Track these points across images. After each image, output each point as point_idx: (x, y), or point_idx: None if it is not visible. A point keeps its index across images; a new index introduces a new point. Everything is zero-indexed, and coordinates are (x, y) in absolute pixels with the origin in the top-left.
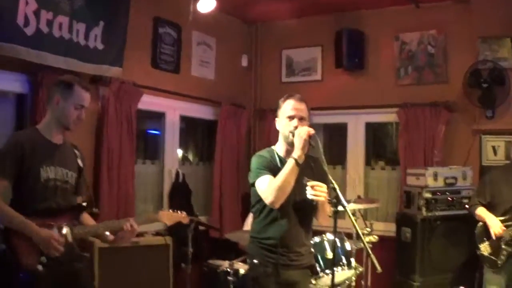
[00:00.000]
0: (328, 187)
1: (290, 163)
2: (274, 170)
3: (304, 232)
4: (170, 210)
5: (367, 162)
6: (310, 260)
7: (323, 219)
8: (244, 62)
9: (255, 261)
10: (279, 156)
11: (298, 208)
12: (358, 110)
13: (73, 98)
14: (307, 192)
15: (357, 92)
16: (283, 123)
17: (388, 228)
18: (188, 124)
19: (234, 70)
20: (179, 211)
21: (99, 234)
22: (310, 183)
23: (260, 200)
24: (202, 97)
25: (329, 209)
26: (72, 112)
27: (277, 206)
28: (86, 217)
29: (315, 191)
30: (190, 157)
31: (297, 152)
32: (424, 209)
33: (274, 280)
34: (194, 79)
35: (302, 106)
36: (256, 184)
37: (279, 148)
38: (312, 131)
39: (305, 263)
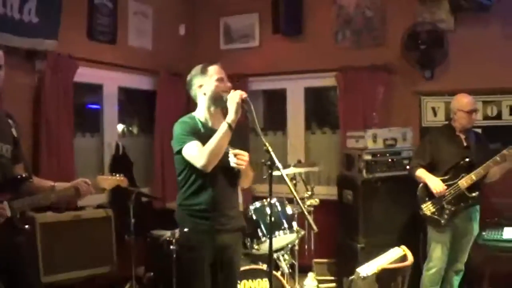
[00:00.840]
0: (249, 153)
1: (223, 127)
2: (198, 135)
3: (232, 195)
4: (108, 175)
5: (308, 127)
6: (240, 222)
7: (245, 184)
8: (182, 31)
9: (185, 229)
10: (201, 122)
11: (225, 172)
12: (297, 75)
13: None
14: (230, 160)
15: (295, 57)
16: (212, 85)
17: (330, 191)
18: (128, 96)
19: (172, 39)
20: (117, 175)
21: (42, 204)
22: (232, 151)
23: (186, 167)
24: (140, 67)
25: (251, 173)
26: None
27: (209, 169)
28: (37, 181)
29: (238, 159)
30: (131, 128)
31: (230, 116)
32: (364, 171)
33: (208, 246)
34: (131, 50)
35: (223, 70)
36: (184, 150)
37: (200, 113)
38: (244, 94)
39: (236, 225)
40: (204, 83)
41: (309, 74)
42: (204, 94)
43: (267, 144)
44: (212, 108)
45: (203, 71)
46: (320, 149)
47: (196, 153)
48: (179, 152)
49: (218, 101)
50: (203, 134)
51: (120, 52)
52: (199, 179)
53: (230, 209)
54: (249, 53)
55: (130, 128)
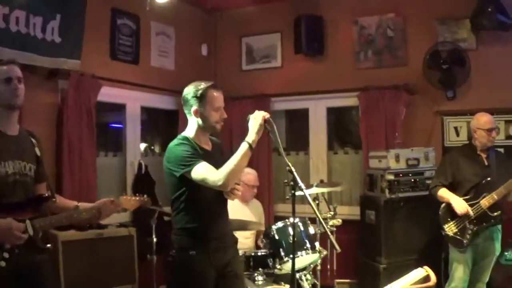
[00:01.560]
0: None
1: (244, 147)
2: (199, 156)
3: (225, 211)
4: (130, 196)
5: (330, 147)
6: (233, 237)
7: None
8: (204, 51)
9: (191, 252)
10: (194, 142)
11: (217, 198)
12: (319, 95)
13: None
14: (254, 126)
15: (317, 77)
16: (210, 113)
17: (352, 211)
18: (150, 115)
19: (194, 60)
20: (141, 196)
21: (64, 223)
22: (249, 122)
23: (185, 191)
24: (162, 87)
25: None
26: (4, 89)
27: (227, 188)
28: (61, 201)
29: (257, 117)
30: (153, 147)
31: (251, 136)
32: (387, 191)
33: (211, 266)
34: (154, 70)
35: (222, 96)
36: (194, 173)
37: (191, 134)
38: (267, 115)
39: (231, 240)
40: (200, 110)
41: (331, 94)
42: (199, 121)
43: (289, 164)
44: (202, 132)
45: (201, 97)
46: (342, 169)
47: (212, 174)
48: (184, 174)
49: (210, 130)
50: (201, 155)
51: (142, 72)
52: (195, 202)
53: (225, 227)
54: (271, 73)
55: (152, 147)
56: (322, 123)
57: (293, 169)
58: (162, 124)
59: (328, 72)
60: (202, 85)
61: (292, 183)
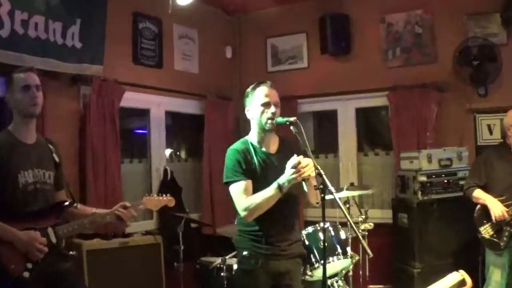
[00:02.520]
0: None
1: (273, 189)
2: (249, 164)
3: (292, 220)
4: (154, 195)
5: (360, 149)
6: (300, 249)
7: (313, 198)
8: (228, 54)
9: (245, 253)
10: (253, 146)
11: (285, 198)
12: (347, 96)
13: (13, 85)
14: (291, 175)
15: (345, 77)
16: (258, 111)
17: (384, 215)
18: (175, 120)
19: (219, 62)
20: (164, 195)
21: (87, 230)
22: (292, 163)
23: None
24: (186, 91)
25: (315, 194)
26: (21, 97)
27: (249, 221)
28: (82, 208)
29: (301, 170)
30: (178, 153)
31: (285, 183)
32: (419, 193)
33: (266, 271)
34: (178, 73)
35: (274, 92)
36: (230, 190)
37: (253, 137)
38: (313, 171)
39: (295, 252)
40: (250, 107)
41: (359, 95)
42: (252, 118)
43: (319, 167)
44: (262, 131)
45: (250, 94)
46: (373, 171)
47: (239, 201)
48: (227, 184)
49: (261, 127)
50: (255, 161)
51: (166, 76)
52: None
53: (289, 236)
54: (298, 74)
55: (178, 153)
56: (351, 125)
57: (322, 172)
58: (187, 129)
59: (355, 72)
60: (254, 83)
61: (321, 186)
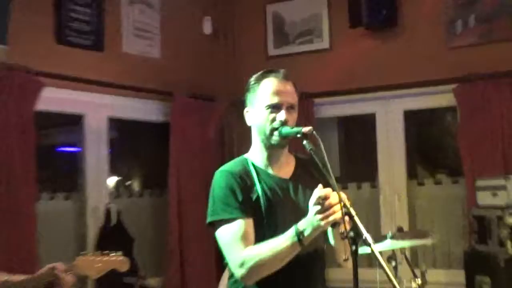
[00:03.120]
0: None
1: (289, 239)
2: (250, 194)
3: (316, 280)
4: (93, 254)
5: (412, 174)
6: None
7: (342, 255)
8: (207, 28)
9: None
10: (256, 168)
11: (306, 254)
12: (391, 92)
13: None
14: (318, 219)
15: (387, 63)
16: (261, 115)
17: (453, 277)
18: (123, 132)
19: (193, 42)
20: (111, 253)
21: None
22: (316, 199)
23: None
24: (142, 86)
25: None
26: None
27: (249, 284)
28: None
29: (330, 210)
30: (128, 183)
31: (307, 230)
32: (509, 244)
33: None
34: (128, 59)
35: (289, 87)
36: (219, 234)
37: (255, 155)
38: (306, 128)
39: None
40: (250, 108)
41: (410, 90)
42: (252, 125)
43: (347, 203)
44: (268, 146)
45: (252, 87)
46: (433, 209)
47: (234, 252)
48: (212, 224)
49: (265, 140)
50: (258, 189)
51: (110, 63)
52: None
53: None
54: (315, 60)
55: (129, 183)
56: (398, 136)
57: (352, 212)
58: (144, 146)
59: (404, 56)
60: (259, 72)
61: (352, 234)
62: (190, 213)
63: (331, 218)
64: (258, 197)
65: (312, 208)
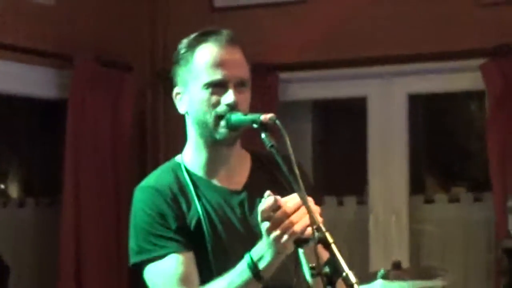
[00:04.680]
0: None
1: (243, 272)
2: (186, 217)
3: None
4: None
5: (416, 187)
6: None
7: None
8: None
9: None
10: (192, 178)
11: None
12: (391, 68)
13: None
14: (272, 237)
15: (386, 25)
16: (198, 98)
17: None
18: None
19: None
20: None
21: None
22: (264, 206)
23: None
24: (26, 46)
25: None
26: None
27: None
28: None
29: (278, 225)
30: (3, 187)
31: (264, 257)
32: None
33: None
34: (7, 5)
35: (237, 55)
36: (147, 277)
37: (191, 158)
38: (269, 115)
39: None
40: (183, 88)
41: (419, 65)
42: (186, 112)
43: (321, 225)
44: (210, 143)
45: (184, 57)
46: (446, 237)
47: None
48: (135, 266)
49: (213, 136)
50: (199, 209)
51: None
52: None
53: None
54: (282, 16)
55: (3, 186)
56: (398, 131)
57: (329, 238)
58: (28, 133)
59: (411, 14)
60: (189, 37)
61: (327, 269)
62: (92, 231)
63: (286, 235)
64: (198, 221)
65: (262, 226)
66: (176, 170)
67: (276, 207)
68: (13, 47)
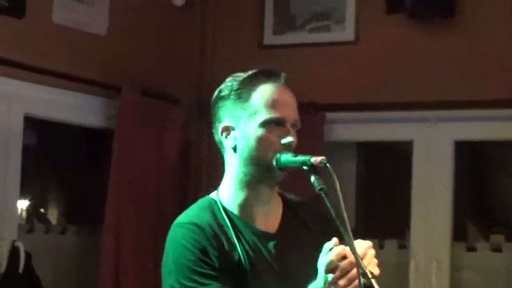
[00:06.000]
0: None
1: None
2: (228, 255)
3: None
4: None
5: (459, 234)
6: None
7: None
8: None
9: None
10: (230, 217)
11: None
12: (438, 113)
13: None
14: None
15: (435, 69)
16: (255, 136)
17: None
18: (44, 137)
19: (155, 16)
20: None
21: None
22: (329, 258)
23: None
24: (77, 75)
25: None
26: None
27: None
28: None
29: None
30: (43, 210)
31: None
32: None
33: None
34: (59, 34)
35: (292, 98)
36: None
37: (229, 196)
38: (317, 158)
39: None
40: (234, 122)
41: (466, 112)
42: (234, 148)
43: (365, 268)
44: (257, 183)
45: (237, 93)
46: (485, 286)
47: None
48: None
49: (266, 176)
50: (239, 249)
51: (31, 37)
52: None
53: None
54: (331, 57)
55: (43, 210)
56: (443, 177)
57: (374, 282)
58: (72, 160)
59: (461, 60)
60: (247, 74)
61: None
62: (131, 263)
63: (352, 285)
64: (239, 260)
65: (328, 276)
66: (213, 208)
67: (343, 255)
68: (63, 75)
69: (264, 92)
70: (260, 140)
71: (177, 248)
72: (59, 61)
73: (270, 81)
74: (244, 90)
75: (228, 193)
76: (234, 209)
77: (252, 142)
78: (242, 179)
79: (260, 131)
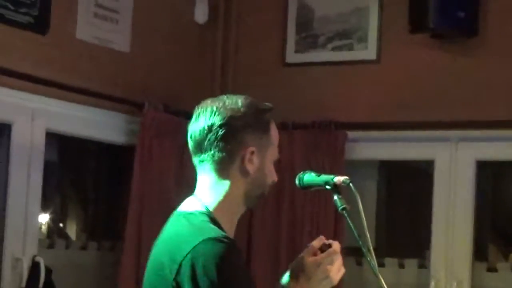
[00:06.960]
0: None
1: None
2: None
3: None
4: None
5: (480, 253)
6: None
7: None
8: (202, 16)
9: None
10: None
11: None
12: (461, 133)
13: None
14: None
15: (458, 89)
16: (270, 168)
17: None
18: (65, 153)
19: (178, 34)
20: None
21: None
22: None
23: None
24: (100, 91)
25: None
26: None
27: None
28: None
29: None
30: (63, 225)
31: None
32: None
33: None
34: (82, 50)
35: None
36: None
37: (223, 215)
38: (345, 179)
39: None
40: (259, 151)
41: (489, 132)
42: (247, 173)
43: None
44: (244, 206)
45: (262, 123)
46: None
47: None
48: None
49: (252, 201)
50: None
51: (54, 53)
52: None
53: None
54: (353, 76)
55: (63, 225)
56: (465, 197)
57: None
58: (94, 177)
59: (484, 80)
60: (265, 105)
61: None
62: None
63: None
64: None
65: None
66: (217, 226)
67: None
68: (85, 91)
69: (274, 130)
70: (271, 174)
71: (229, 273)
72: (82, 77)
73: (272, 120)
74: (264, 123)
75: (223, 212)
76: (226, 227)
77: (266, 173)
78: (240, 202)
79: (271, 167)
